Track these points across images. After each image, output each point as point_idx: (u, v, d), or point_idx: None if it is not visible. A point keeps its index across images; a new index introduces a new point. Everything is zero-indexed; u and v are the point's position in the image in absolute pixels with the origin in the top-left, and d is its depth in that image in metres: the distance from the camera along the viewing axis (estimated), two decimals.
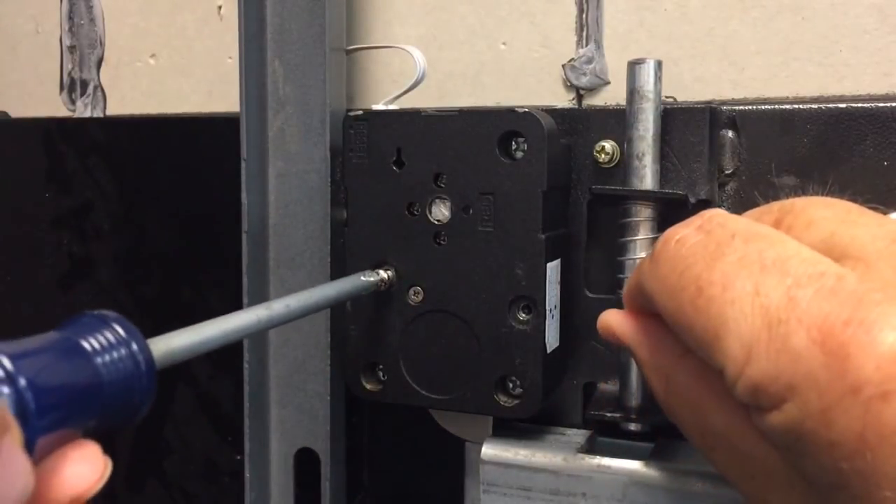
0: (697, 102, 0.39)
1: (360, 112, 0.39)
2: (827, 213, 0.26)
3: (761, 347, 0.23)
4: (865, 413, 0.21)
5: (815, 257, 0.24)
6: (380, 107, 0.41)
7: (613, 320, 0.31)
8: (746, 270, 0.24)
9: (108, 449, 0.21)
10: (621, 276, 0.37)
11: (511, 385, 0.37)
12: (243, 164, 0.42)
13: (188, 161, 0.50)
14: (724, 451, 0.27)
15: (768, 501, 0.26)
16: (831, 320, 0.22)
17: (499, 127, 0.36)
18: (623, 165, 0.37)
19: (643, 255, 0.36)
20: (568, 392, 0.40)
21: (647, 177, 0.36)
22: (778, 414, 0.23)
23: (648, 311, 0.29)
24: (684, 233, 0.27)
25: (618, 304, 0.32)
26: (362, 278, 0.37)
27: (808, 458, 0.22)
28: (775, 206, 0.28)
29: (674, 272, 0.26)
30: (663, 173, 0.37)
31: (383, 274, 0.38)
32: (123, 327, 0.22)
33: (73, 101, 0.55)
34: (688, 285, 0.25)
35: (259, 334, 0.43)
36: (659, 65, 0.36)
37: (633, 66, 0.36)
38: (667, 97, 0.40)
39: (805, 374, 0.22)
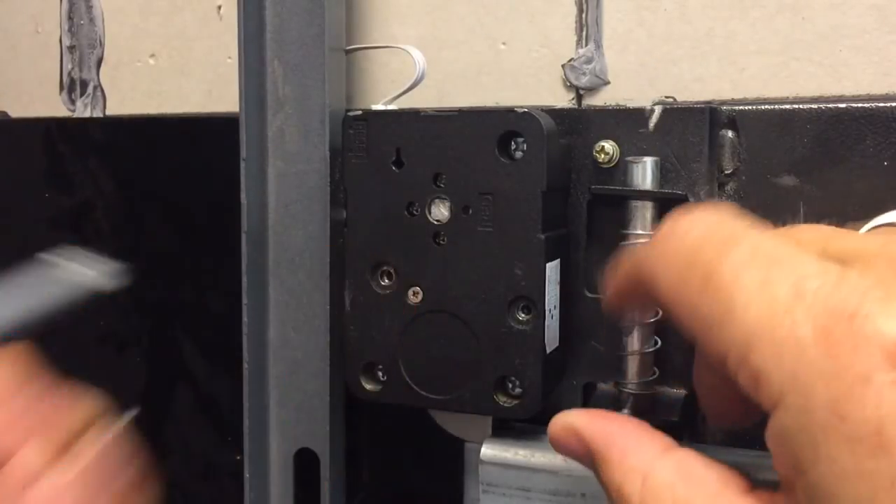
0: (697, 102, 0.39)
1: (360, 112, 0.39)
2: (813, 234, 0.27)
3: (765, 336, 0.23)
4: (880, 400, 0.21)
5: (821, 258, 0.24)
6: (379, 107, 0.41)
7: (577, 420, 0.28)
8: (757, 261, 0.24)
9: None
10: None
11: (511, 385, 0.37)
12: (243, 164, 0.42)
13: (188, 161, 0.50)
14: None
15: None
16: (837, 313, 0.22)
17: (498, 127, 0.36)
18: (623, 165, 0.37)
19: None
20: (568, 392, 0.40)
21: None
22: (783, 412, 0.23)
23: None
24: (696, 214, 0.27)
25: None
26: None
27: (824, 463, 0.22)
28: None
29: (682, 252, 0.26)
30: (663, 174, 0.37)
31: (384, 275, 0.38)
32: None
33: (72, 101, 0.55)
34: (697, 268, 0.25)
35: (258, 334, 0.43)
36: (656, 163, 0.37)
37: (631, 164, 0.37)
38: (667, 97, 0.40)
39: (809, 363, 0.22)
